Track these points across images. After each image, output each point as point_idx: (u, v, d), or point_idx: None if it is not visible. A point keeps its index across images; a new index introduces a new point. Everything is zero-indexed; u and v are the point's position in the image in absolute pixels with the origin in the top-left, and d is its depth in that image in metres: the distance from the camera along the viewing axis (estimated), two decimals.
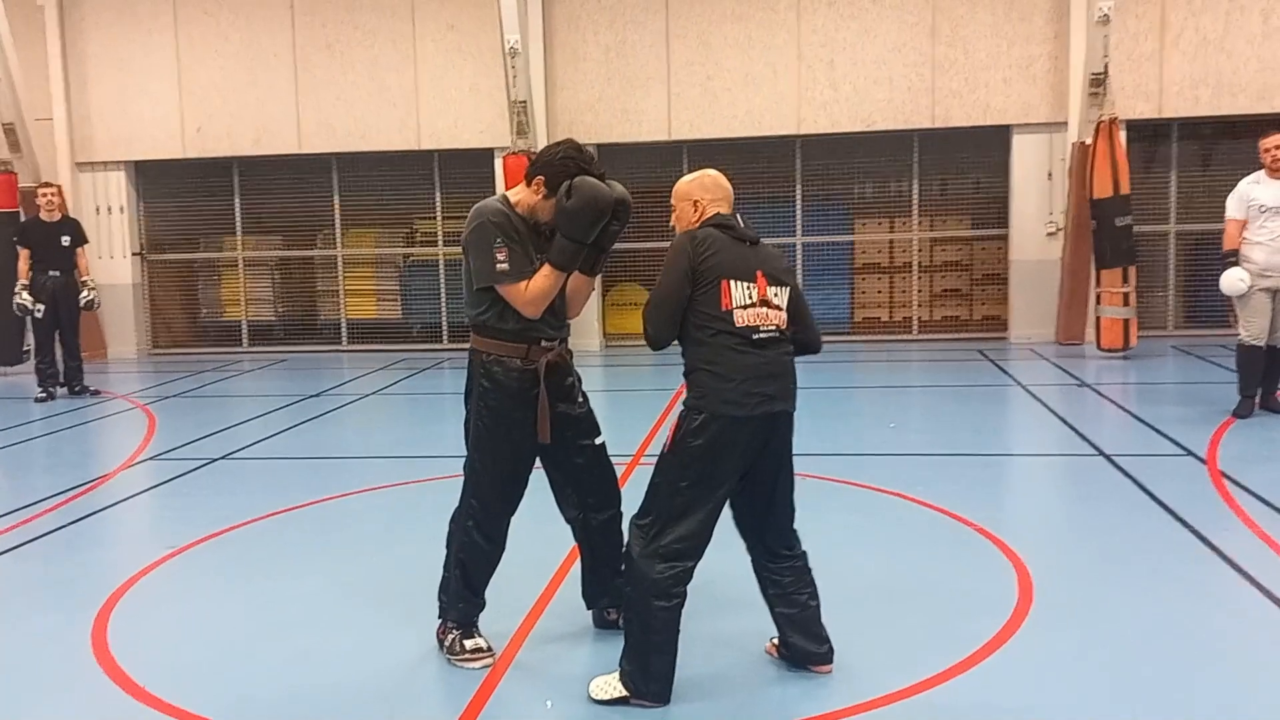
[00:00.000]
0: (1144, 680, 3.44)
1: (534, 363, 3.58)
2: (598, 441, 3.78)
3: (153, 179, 13.72)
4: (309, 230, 13.83)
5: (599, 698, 3.35)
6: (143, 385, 11.06)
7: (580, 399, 3.76)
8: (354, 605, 4.36)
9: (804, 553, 3.55)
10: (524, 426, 3.60)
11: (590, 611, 4.00)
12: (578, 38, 12.39)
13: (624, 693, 3.33)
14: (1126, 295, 10.67)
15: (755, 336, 3.28)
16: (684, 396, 3.34)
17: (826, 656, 3.53)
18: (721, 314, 3.25)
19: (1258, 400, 7.46)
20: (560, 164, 3.50)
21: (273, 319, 14.26)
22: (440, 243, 13.32)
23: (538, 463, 3.77)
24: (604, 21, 12.31)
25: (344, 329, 13.74)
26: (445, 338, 13.33)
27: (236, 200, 13.73)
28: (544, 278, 3.51)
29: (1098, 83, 10.80)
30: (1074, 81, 11.34)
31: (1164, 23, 11.33)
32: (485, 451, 3.64)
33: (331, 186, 13.49)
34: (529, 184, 3.58)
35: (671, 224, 3.52)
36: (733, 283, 3.27)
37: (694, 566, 3.30)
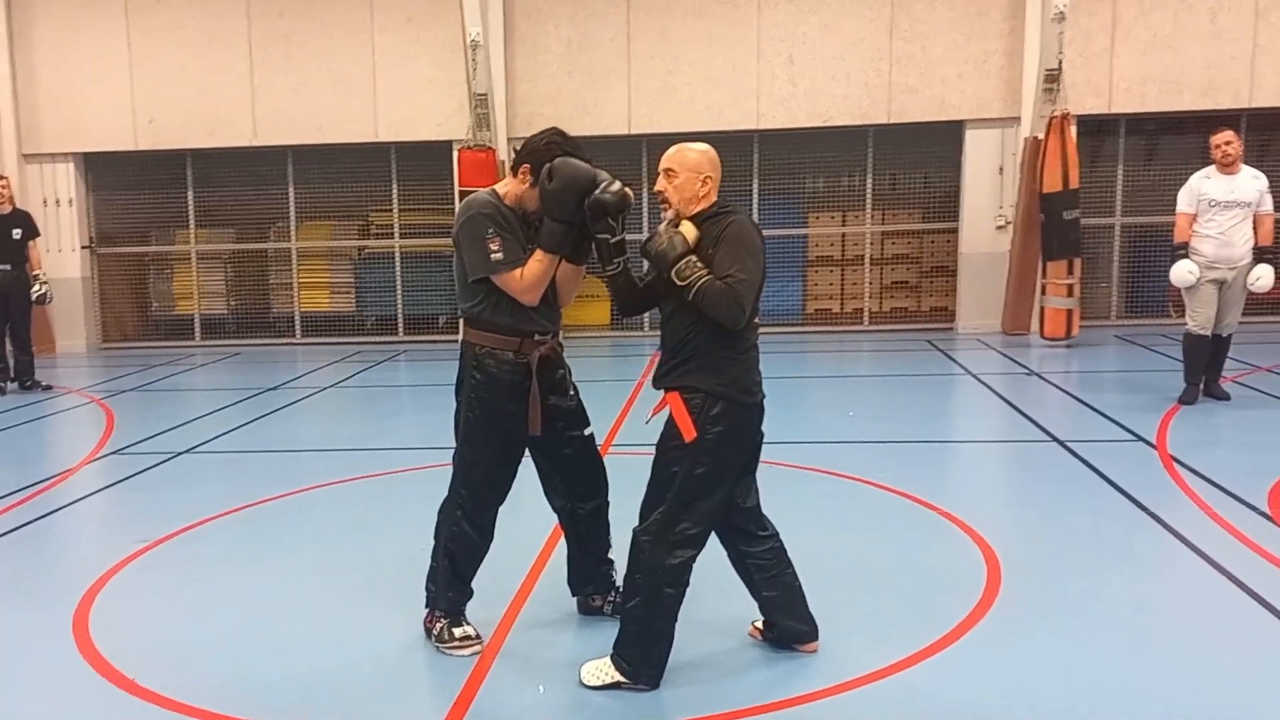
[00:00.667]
0: (1111, 655, 3.58)
1: (526, 356, 3.62)
2: (586, 433, 3.84)
3: (103, 171, 13.43)
4: (263, 223, 13.67)
5: (591, 683, 3.41)
6: (94, 380, 10.88)
7: (570, 391, 3.82)
8: (337, 595, 4.38)
9: (776, 531, 3.63)
10: (515, 419, 3.64)
11: (575, 598, 4.07)
12: (538, 30, 12.35)
13: (616, 677, 3.39)
14: (1070, 286, 10.95)
15: (759, 333, 3.42)
16: (687, 381, 3.28)
17: (814, 634, 3.64)
18: (757, 308, 3.34)
19: (1202, 387, 7.74)
20: (545, 149, 3.49)
21: (225, 313, 14.08)
22: (396, 235, 13.25)
23: (525, 453, 3.81)
24: (565, 14, 12.30)
25: (297, 322, 13.61)
26: (401, 330, 13.26)
27: (189, 193, 13.50)
28: (536, 262, 3.52)
29: (1052, 79, 11.04)
30: (1028, 77, 11.54)
31: (1116, 20, 11.59)
32: (475, 443, 3.68)
33: (286, 179, 13.34)
34: (515, 174, 3.60)
35: (659, 190, 3.35)
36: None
37: (699, 554, 3.36)
